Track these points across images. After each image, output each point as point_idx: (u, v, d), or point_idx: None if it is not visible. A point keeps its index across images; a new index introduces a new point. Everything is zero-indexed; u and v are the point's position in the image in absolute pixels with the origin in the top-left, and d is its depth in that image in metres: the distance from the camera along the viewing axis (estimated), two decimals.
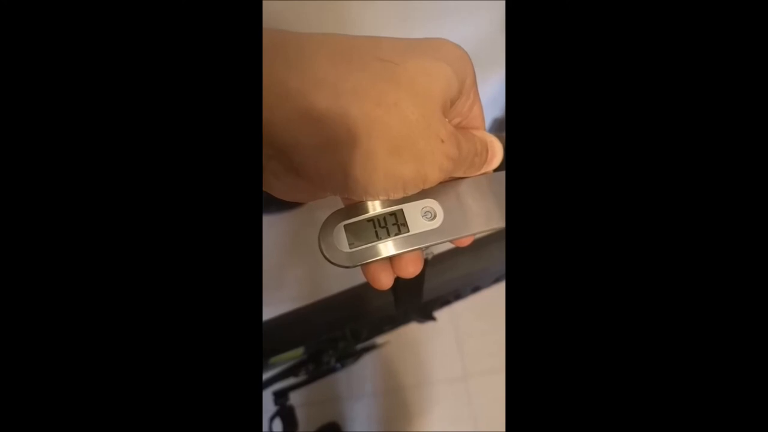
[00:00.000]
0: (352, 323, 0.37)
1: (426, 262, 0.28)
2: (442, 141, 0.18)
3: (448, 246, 0.32)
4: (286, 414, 0.63)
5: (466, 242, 0.23)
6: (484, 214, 0.22)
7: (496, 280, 0.47)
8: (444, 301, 0.46)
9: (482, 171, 0.23)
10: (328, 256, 0.20)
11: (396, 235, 0.20)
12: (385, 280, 0.21)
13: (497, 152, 0.23)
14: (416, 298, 0.35)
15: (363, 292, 0.38)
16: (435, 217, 0.21)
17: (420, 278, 0.33)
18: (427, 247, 0.23)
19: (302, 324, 0.38)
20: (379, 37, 0.18)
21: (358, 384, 1.12)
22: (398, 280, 0.29)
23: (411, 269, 0.21)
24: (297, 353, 0.59)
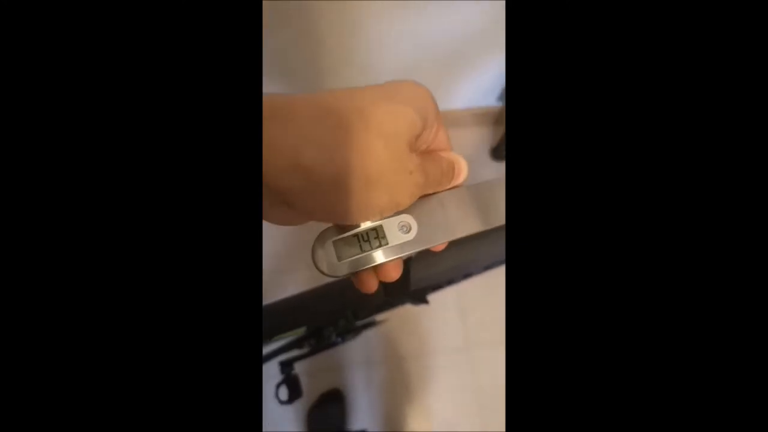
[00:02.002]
0: (349, 309, 0.40)
1: (410, 259, 0.32)
2: (411, 173, 0.22)
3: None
4: (291, 382, 0.68)
5: (440, 248, 0.26)
6: (453, 224, 0.26)
7: (487, 268, 0.49)
8: (436, 286, 0.49)
9: (452, 185, 0.27)
10: (320, 268, 0.24)
11: (378, 247, 0.24)
12: (371, 286, 0.26)
13: (462, 169, 0.27)
14: (404, 288, 0.39)
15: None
16: (410, 230, 0.25)
17: (403, 276, 0.37)
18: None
19: (302, 309, 0.40)
20: (353, 88, 0.21)
21: (360, 354, 1.16)
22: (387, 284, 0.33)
23: (392, 274, 0.25)
24: (299, 331, 0.63)
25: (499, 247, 0.41)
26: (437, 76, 1.25)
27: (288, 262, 1.20)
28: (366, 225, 0.24)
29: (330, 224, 0.25)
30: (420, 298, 0.49)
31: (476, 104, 1.40)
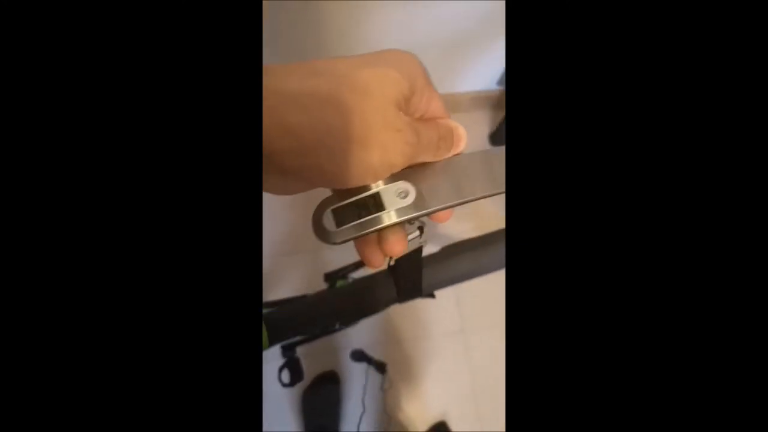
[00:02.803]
0: (358, 314, 0.40)
1: (420, 249, 0.32)
2: (399, 130, 0.22)
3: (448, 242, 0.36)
4: (293, 365, 0.69)
5: (443, 217, 0.26)
6: (455, 188, 0.25)
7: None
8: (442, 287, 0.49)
9: (451, 153, 0.27)
10: (319, 236, 0.24)
11: (375, 213, 0.24)
12: (375, 259, 0.26)
13: (462, 136, 0.27)
14: (417, 293, 0.38)
15: (368, 285, 0.41)
16: (407, 195, 0.25)
17: (417, 281, 0.36)
18: (410, 225, 0.27)
19: (307, 314, 0.40)
20: (337, 57, 0.22)
21: (357, 338, 1.17)
22: (397, 275, 0.33)
23: (397, 248, 0.26)
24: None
25: None
26: (437, 60, 1.23)
27: (290, 246, 1.20)
28: (364, 194, 0.25)
29: (330, 194, 0.25)
30: (428, 293, 0.49)
31: (475, 88, 1.39)
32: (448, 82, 1.35)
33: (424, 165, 0.26)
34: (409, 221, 0.26)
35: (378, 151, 0.21)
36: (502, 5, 1.07)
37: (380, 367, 1.12)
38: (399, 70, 0.22)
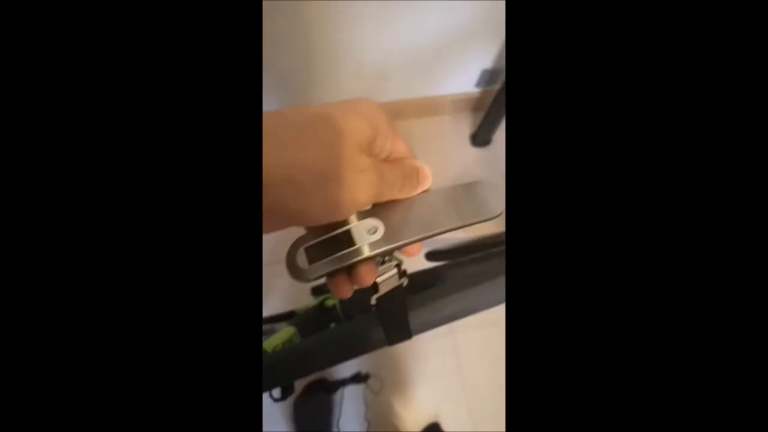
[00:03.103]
0: (350, 358, 0.40)
1: (401, 288, 0.33)
2: (362, 171, 0.23)
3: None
4: None
5: (412, 250, 0.28)
6: (420, 225, 0.26)
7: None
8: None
9: (417, 191, 0.28)
10: (292, 274, 0.25)
11: (346, 249, 0.25)
12: (345, 291, 0.27)
13: (427, 175, 0.29)
14: (406, 335, 0.39)
15: (359, 328, 0.40)
16: (377, 231, 0.26)
17: (403, 315, 0.37)
18: (387, 263, 0.29)
19: (301, 364, 0.40)
20: (305, 107, 0.23)
21: None
22: (383, 318, 0.34)
23: (366, 279, 0.27)
24: (290, 332, 0.64)
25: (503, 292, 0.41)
26: (418, 65, 1.24)
27: (277, 254, 1.19)
28: (336, 231, 0.26)
29: (303, 233, 0.26)
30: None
31: (455, 91, 1.40)
32: (429, 86, 1.36)
33: (393, 203, 0.27)
34: (381, 256, 0.27)
35: (342, 189, 0.23)
36: (480, 10, 1.08)
37: (360, 378, 1.13)
38: (361, 117, 0.24)
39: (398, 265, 0.30)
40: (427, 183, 0.29)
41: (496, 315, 0.37)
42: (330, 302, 0.71)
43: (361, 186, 0.23)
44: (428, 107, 1.43)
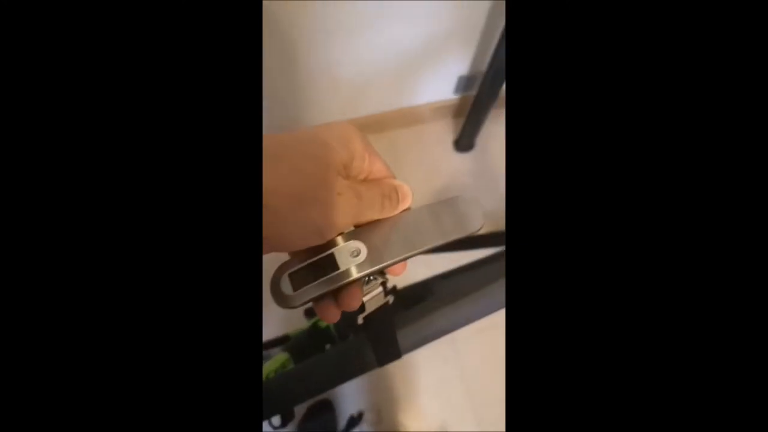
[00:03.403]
0: (346, 380, 0.39)
1: (387, 307, 0.33)
2: (339, 193, 0.23)
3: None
4: None
5: (397, 270, 0.28)
6: (403, 244, 0.26)
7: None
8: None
9: (398, 210, 0.28)
10: (277, 301, 0.25)
11: (330, 274, 0.25)
12: (331, 315, 0.27)
13: (407, 194, 0.28)
14: (395, 356, 0.39)
15: (350, 351, 0.40)
16: (359, 254, 0.25)
17: (391, 333, 0.37)
18: (373, 281, 0.28)
19: (297, 385, 0.40)
20: (281, 133, 0.23)
21: None
22: (372, 338, 0.33)
23: (352, 303, 0.26)
24: (283, 358, 0.63)
25: (495, 300, 0.41)
26: (394, 77, 1.25)
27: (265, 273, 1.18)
28: (319, 256, 0.25)
29: (287, 259, 0.26)
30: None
31: (434, 99, 1.41)
32: (408, 96, 1.37)
33: (375, 223, 0.27)
34: (366, 278, 0.27)
35: (319, 213, 0.22)
36: (453, 18, 1.09)
37: (353, 421, 1.10)
38: (336, 139, 0.24)
39: (383, 283, 0.30)
40: (408, 201, 0.29)
41: (496, 318, 0.37)
42: (323, 323, 0.70)
43: (339, 208, 0.23)
44: (409, 117, 1.44)
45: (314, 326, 0.71)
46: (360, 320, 0.31)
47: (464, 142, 1.43)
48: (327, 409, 1.10)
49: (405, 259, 0.27)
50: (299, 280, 0.25)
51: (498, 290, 0.41)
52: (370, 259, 0.26)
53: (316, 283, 0.25)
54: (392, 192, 0.27)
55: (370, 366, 0.38)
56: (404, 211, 0.28)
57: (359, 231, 0.26)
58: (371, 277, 0.29)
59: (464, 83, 1.36)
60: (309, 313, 0.78)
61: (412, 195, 0.29)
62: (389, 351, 0.36)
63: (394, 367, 1.18)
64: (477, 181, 1.42)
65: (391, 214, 0.28)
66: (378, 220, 0.27)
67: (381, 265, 0.26)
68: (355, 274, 0.25)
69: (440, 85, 1.35)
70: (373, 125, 1.41)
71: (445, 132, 1.48)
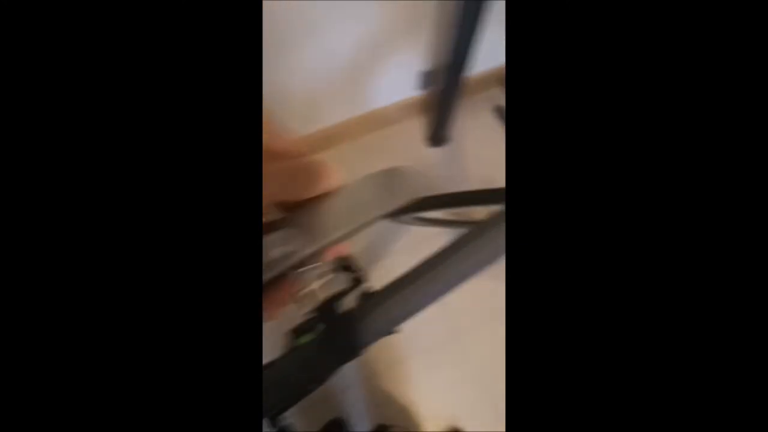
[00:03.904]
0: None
1: (366, 296, 0.30)
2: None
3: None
4: None
5: (338, 251, 0.26)
6: (343, 220, 0.24)
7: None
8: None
9: (315, 188, 0.25)
10: None
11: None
12: (277, 311, 0.24)
13: (322, 170, 0.25)
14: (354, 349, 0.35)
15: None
16: (289, 240, 0.23)
17: (349, 324, 0.34)
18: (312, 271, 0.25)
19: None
20: None
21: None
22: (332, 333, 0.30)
23: (281, 296, 0.24)
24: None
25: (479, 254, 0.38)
26: (353, 80, 1.23)
27: None
28: None
29: None
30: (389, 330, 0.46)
31: (398, 98, 1.40)
32: (370, 99, 1.35)
33: (301, 206, 0.24)
34: (301, 265, 0.24)
35: None
36: (399, 13, 1.08)
37: None
38: None
39: (346, 267, 0.27)
40: (327, 178, 0.25)
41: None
42: (303, 339, 0.66)
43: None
44: (376, 120, 1.42)
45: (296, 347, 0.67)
46: (314, 312, 0.28)
47: (438, 136, 1.42)
48: (339, 427, 1.06)
49: (349, 236, 0.24)
50: None
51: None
52: (304, 243, 0.23)
53: None
54: (300, 169, 0.24)
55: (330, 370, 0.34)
56: (338, 188, 0.25)
57: (286, 217, 0.24)
58: (315, 264, 0.25)
59: (425, 78, 1.35)
60: (296, 332, 0.75)
61: (336, 171, 0.26)
62: (349, 345, 0.33)
63: (402, 373, 1.15)
64: (457, 172, 1.40)
65: (306, 193, 0.24)
66: (306, 203, 0.24)
67: (316, 248, 0.23)
68: (281, 262, 0.22)
69: (401, 83, 1.34)
70: (339, 135, 1.39)
71: (416, 129, 1.47)
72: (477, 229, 0.30)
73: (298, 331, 0.74)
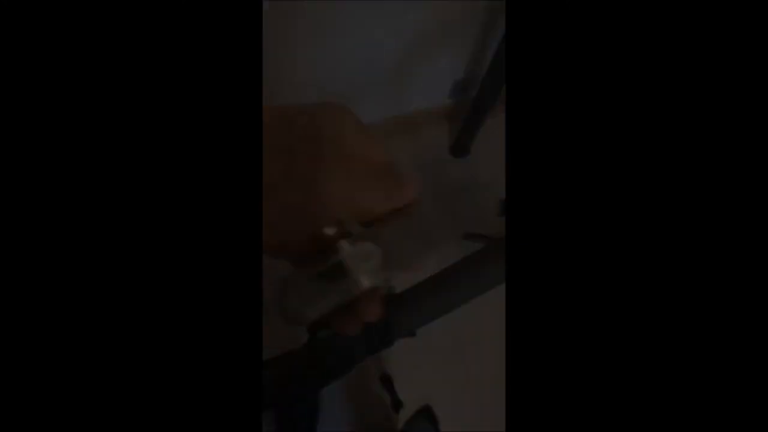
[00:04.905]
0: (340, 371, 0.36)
1: (390, 298, 0.30)
2: (327, 171, 0.21)
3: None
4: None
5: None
6: (420, 242, 0.23)
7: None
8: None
9: (403, 197, 0.24)
10: (286, 319, 0.22)
11: (340, 284, 0.21)
12: (351, 328, 0.23)
13: (410, 180, 0.24)
14: (388, 343, 0.36)
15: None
16: (372, 257, 0.22)
17: (385, 331, 0.34)
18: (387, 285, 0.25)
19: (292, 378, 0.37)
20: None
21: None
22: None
23: (373, 312, 0.22)
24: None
25: (493, 270, 0.38)
26: (386, 84, 1.24)
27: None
28: (327, 263, 0.22)
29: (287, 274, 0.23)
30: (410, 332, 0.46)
31: (427, 105, 1.40)
32: (400, 104, 1.36)
33: (384, 222, 0.23)
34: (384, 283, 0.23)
35: (304, 193, 0.20)
36: (440, 22, 1.08)
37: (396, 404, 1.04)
38: (325, 115, 0.22)
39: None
40: (412, 189, 0.24)
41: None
42: (323, 333, 0.67)
43: (328, 188, 0.20)
44: (403, 125, 1.43)
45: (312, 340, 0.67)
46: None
47: (460, 147, 1.42)
48: (427, 417, 1.00)
49: (425, 261, 0.24)
50: (306, 293, 0.22)
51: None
52: (386, 263, 0.22)
53: (327, 296, 0.22)
54: (391, 174, 0.23)
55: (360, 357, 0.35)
56: (412, 203, 0.24)
57: (368, 232, 0.22)
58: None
59: (460, 87, 1.35)
60: (313, 328, 0.76)
61: (417, 186, 0.24)
62: (385, 335, 0.33)
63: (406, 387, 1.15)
64: (475, 184, 1.40)
65: (395, 203, 0.23)
66: (388, 216, 0.23)
67: (400, 269, 0.23)
68: (369, 281, 0.22)
69: (434, 89, 1.35)
70: None
71: (440, 137, 1.47)
72: (502, 243, 0.30)
73: (316, 327, 0.74)
